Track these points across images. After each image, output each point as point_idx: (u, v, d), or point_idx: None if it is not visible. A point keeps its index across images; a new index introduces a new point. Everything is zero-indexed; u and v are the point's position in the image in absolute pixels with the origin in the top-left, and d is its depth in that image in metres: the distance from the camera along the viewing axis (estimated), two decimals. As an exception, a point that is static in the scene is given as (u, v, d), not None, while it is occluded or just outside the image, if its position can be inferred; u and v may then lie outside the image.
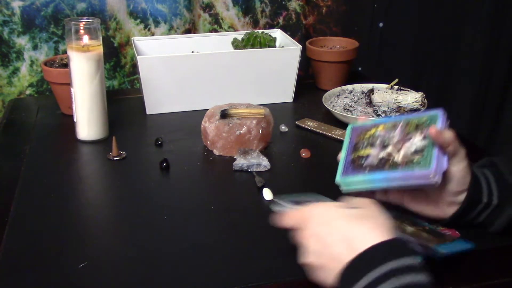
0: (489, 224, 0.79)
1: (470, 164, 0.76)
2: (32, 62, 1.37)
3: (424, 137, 0.73)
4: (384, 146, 0.76)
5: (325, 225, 0.63)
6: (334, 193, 0.81)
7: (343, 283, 0.59)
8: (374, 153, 0.76)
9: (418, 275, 0.56)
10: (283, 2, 1.54)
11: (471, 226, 0.79)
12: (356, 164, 0.77)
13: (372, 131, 0.79)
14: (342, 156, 0.80)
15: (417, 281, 0.56)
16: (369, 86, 1.30)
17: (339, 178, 0.78)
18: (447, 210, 0.76)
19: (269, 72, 1.29)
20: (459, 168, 0.73)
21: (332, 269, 0.61)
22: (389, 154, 0.74)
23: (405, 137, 0.75)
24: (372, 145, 0.77)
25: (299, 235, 0.67)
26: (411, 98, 1.19)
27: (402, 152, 0.74)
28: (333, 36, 1.53)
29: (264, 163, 1.00)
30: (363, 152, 0.78)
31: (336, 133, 1.14)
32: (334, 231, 0.62)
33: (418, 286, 0.56)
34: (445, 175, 0.72)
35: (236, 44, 1.34)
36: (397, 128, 0.77)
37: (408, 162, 0.72)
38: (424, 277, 0.57)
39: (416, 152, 0.73)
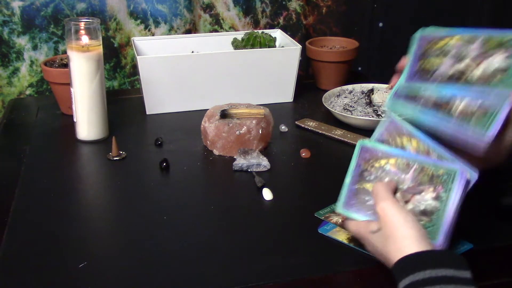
0: (504, 197, 0.79)
1: None
2: (32, 62, 1.37)
3: (437, 198, 0.67)
4: (459, 59, 0.68)
5: (370, 247, 0.71)
6: (335, 193, 0.82)
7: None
8: (447, 63, 0.69)
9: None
10: (284, 2, 1.54)
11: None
12: (360, 200, 0.73)
13: (383, 162, 0.72)
14: (347, 181, 0.75)
15: None
16: (369, 86, 1.30)
17: (340, 209, 0.75)
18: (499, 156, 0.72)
19: (269, 72, 1.29)
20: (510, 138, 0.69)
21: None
22: (468, 66, 0.67)
23: (417, 187, 0.69)
24: (445, 55, 0.69)
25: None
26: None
27: (409, 207, 0.68)
28: (333, 36, 1.53)
29: (264, 163, 1.00)
30: (369, 187, 0.72)
31: (336, 133, 1.14)
32: (376, 253, 0.70)
33: None
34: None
35: (236, 44, 1.34)
36: (409, 170, 0.70)
37: (489, 78, 0.64)
38: None
39: (424, 213, 0.67)
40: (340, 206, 0.75)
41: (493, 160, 0.72)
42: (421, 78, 0.70)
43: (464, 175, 0.66)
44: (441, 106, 0.68)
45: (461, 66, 0.68)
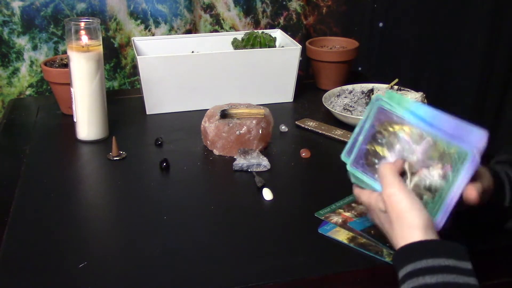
0: (504, 222, 0.78)
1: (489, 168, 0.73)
2: (32, 63, 1.37)
3: (444, 177, 0.66)
4: (402, 156, 0.70)
5: (378, 220, 0.71)
6: (335, 193, 0.82)
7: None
8: (389, 159, 0.71)
9: (436, 276, 0.59)
10: (284, 3, 1.54)
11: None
12: (369, 161, 0.73)
13: (397, 127, 0.71)
14: (359, 139, 0.74)
15: (435, 282, 0.58)
16: (369, 86, 1.30)
17: (349, 167, 0.74)
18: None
19: (269, 72, 1.29)
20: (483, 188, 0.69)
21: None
22: (403, 172, 0.69)
23: (426, 161, 0.68)
24: (390, 147, 0.71)
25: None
26: (411, 98, 1.19)
27: (415, 179, 0.68)
28: (333, 36, 1.53)
29: (264, 163, 1.00)
30: (380, 150, 0.72)
31: (336, 133, 1.14)
32: (383, 228, 0.70)
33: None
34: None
35: (236, 44, 1.34)
36: (421, 142, 0.69)
37: (417, 195, 0.67)
38: (446, 277, 0.59)
39: (429, 189, 0.67)
40: (349, 165, 0.74)
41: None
42: (365, 167, 0.73)
43: (475, 158, 0.64)
44: None
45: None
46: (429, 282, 0.58)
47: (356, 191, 0.74)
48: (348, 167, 0.74)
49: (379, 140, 0.72)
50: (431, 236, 0.63)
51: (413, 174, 0.69)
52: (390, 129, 0.72)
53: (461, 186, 0.65)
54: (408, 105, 0.71)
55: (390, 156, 0.71)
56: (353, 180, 0.75)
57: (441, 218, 0.65)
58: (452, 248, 0.61)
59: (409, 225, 0.64)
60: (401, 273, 0.61)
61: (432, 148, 0.68)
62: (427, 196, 0.67)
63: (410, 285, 0.59)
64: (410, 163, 0.69)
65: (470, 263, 0.60)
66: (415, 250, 0.62)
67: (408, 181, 0.68)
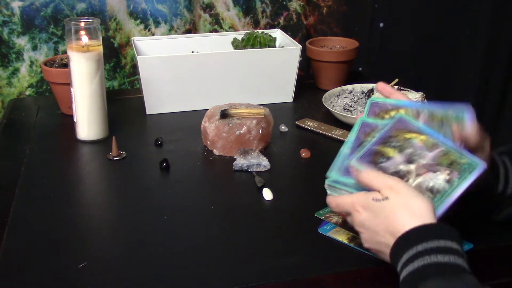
0: (495, 212, 0.79)
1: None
2: (31, 63, 1.37)
3: (449, 181, 0.68)
4: (410, 159, 0.71)
5: (370, 218, 0.68)
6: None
7: (393, 262, 0.65)
8: (396, 161, 0.72)
9: (448, 256, 0.60)
10: (284, 3, 1.54)
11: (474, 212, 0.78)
12: (375, 160, 0.73)
13: (413, 135, 0.73)
14: (371, 140, 0.74)
15: (447, 261, 0.60)
16: (369, 86, 1.30)
17: (354, 161, 0.73)
18: None
19: (269, 72, 1.29)
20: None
21: (385, 252, 0.67)
22: (408, 173, 0.71)
23: (434, 165, 0.70)
24: (401, 150, 0.72)
25: (350, 220, 0.72)
26: (411, 98, 1.19)
27: (419, 180, 0.70)
28: (333, 36, 1.53)
29: (264, 163, 1.00)
30: (389, 152, 0.73)
31: (336, 133, 1.14)
32: (379, 223, 0.67)
33: (447, 265, 0.59)
34: None
35: (236, 44, 1.34)
36: (434, 151, 0.71)
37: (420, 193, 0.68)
38: (457, 259, 0.60)
39: (431, 190, 0.69)
40: (355, 159, 0.73)
41: None
42: (370, 163, 0.73)
43: (483, 169, 0.67)
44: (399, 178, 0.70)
45: (405, 169, 0.71)
46: (442, 261, 0.59)
47: (331, 198, 0.74)
48: (353, 162, 0.73)
49: (392, 144, 0.73)
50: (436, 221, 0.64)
51: (417, 175, 0.70)
52: (407, 136, 0.73)
53: (462, 190, 0.67)
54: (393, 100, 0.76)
55: (398, 158, 0.71)
56: (329, 192, 0.76)
57: (438, 215, 0.66)
58: (459, 237, 0.63)
59: (420, 206, 0.64)
60: (410, 252, 0.61)
61: (444, 156, 0.70)
62: (427, 196, 0.68)
63: (421, 262, 0.60)
64: (418, 165, 0.70)
65: (450, 239, 0.62)
66: (430, 230, 0.62)
67: (411, 180, 0.69)
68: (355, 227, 0.70)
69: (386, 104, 0.76)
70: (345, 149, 0.76)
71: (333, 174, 0.76)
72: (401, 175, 0.70)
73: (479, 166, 0.67)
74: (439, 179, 0.69)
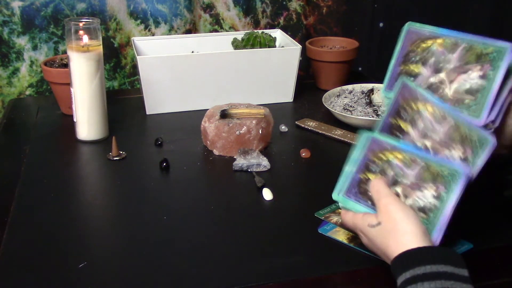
0: (508, 188, 0.79)
1: None
2: (32, 63, 1.37)
3: (483, 76, 0.65)
4: (437, 69, 0.69)
5: (368, 242, 0.71)
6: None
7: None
8: (425, 74, 0.70)
9: (435, 282, 0.59)
10: (284, 3, 1.54)
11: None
12: (361, 189, 0.74)
13: (429, 43, 0.71)
14: (349, 170, 0.75)
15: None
16: (369, 86, 1.30)
17: (339, 196, 0.75)
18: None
19: (269, 72, 1.29)
20: None
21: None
22: (441, 82, 0.68)
23: (462, 66, 0.67)
24: (424, 62, 0.70)
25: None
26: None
27: (454, 86, 0.67)
28: (333, 36, 1.53)
29: (264, 163, 1.00)
30: (414, 68, 0.71)
31: (336, 133, 1.14)
32: (375, 248, 0.70)
33: None
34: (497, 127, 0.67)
35: (236, 44, 1.34)
36: (456, 50, 0.69)
37: (458, 101, 0.66)
38: (445, 283, 0.59)
39: (469, 91, 0.66)
40: (339, 193, 0.75)
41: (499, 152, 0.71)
42: (358, 194, 0.73)
43: (466, 176, 0.66)
44: (436, 89, 0.69)
45: (436, 80, 0.69)
46: None
47: (341, 214, 0.76)
48: (339, 197, 0.75)
49: (373, 169, 0.74)
50: (427, 243, 0.63)
51: (405, 197, 0.70)
52: (384, 157, 0.73)
53: (453, 204, 0.66)
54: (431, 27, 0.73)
55: (425, 71, 0.71)
56: (341, 205, 0.77)
57: (438, 235, 0.66)
58: (449, 254, 0.62)
59: (406, 232, 0.64)
60: (400, 279, 0.61)
61: (426, 172, 0.69)
62: (469, 99, 0.66)
63: None
64: (403, 187, 0.70)
65: (467, 270, 0.61)
66: (413, 256, 0.62)
67: (448, 88, 0.68)
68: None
69: (385, 144, 0.73)
70: (351, 168, 0.75)
71: (340, 196, 0.75)
72: (437, 87, 0.69)
73: (461, 173, 0.66)
74: (427, 197, 0.68)
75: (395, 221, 0.66)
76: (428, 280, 0.59)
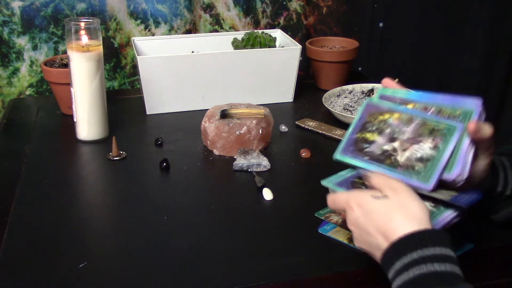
0: (493, 212, 0.78)
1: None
2: (32, 63, 1.37)
3: (435, 147, 0.70)
4: (392, 138, 0.73)
5: (363, 216, 0.66)
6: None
7: (384, 267, 0.63)
8: (379, 142, 0.73)
9: (445, 265, 0.58)
10: (284, 3, 1.54)
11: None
12: (358, 147, 0.75)
13: (386, 116, 0.75)
14: (348, 131, 0.77)
15: (444, 270, 0.58)
16: (369, 86, 1.30)
17: (337, 155, 0.76)
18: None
19: (269, 72, 1.29)
20: (483, 163, 0.71)
21: (376, 255, 0.65)
22: (394, 150, 0.72)
23: (416, 138, 0.72)
24: (380, 132, 0.74)
25: (344, 217, 0.70)
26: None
27: (406, 154, 0.71)
28: (333, 36, 1.53)
29: (264, 163, 1.00)
30: (369, 136, 0.75)
31: (336, 133, 1.14)
32: (371, 223, 0.65)
33: (444, 275, 0.58)
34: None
35: (236, 44, 1.34)
36: (411, 124, 0.73)
37: (409, 167, 0.69)
38: (454, 268, 0.59)
39: (420, 159, 0.70)
40: (337, 153, 0.76)
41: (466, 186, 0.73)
42: (354, 153, 0.75)
43: (461, 129, 0.69)
44: (385, 159, 0.72)
45: (389, 148, 0.72)
46: (439, 270, 0.58)
47: (329, 195, 0.72)
48: (337, 156, 0.76)
49: (368, 128, 0.75)
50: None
51: (404, 150, 0.71)
52: (380, 117, 0.76)
53: (449, 151, 0.69)
54: (402, 92, 0.77)
55: (380, 139, 0.73)
56: (331, 189, 0.76)
57: (434, 180, 0.67)
58: (455, 242, 0.62)
59: (415, 212, 0.63)
60: (404, 260, 0.60)
61: (422, 127, 0.72)
62: (419, 166, 0.69)
63: (417, 271, 0.58)
64: (401, 141, 0.72)
65: (445, 246, 0.61)
66: (422, 237, 0.61)
67: (399, 157, 0.71)
68: (348, 225, 0.69)
69: (382, 106, 0.76)
70: (349, 129, 0.78)
71: (338, 155, 0.76)
72: (388, 154, 0.71)
73: (457, 127, 0.69)
74: (424, 148, 0.70)
75: (404, 199, 0.64)
76: (439, 261, 0.58)
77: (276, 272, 0.73)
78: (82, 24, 1.05)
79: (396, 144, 0.72)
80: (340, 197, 0.70)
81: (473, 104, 0.71)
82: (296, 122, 1.20)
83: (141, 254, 0.78)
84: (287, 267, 0.74)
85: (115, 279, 0.73)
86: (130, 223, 0.85)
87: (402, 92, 0.77)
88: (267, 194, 0.92)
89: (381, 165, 0.72)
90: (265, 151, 1.07)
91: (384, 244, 0.63)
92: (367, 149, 0.74)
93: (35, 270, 0.74)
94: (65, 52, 1.35)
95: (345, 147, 0.76)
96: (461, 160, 0.68)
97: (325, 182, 0.76)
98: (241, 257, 0.77)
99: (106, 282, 0.72)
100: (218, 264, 0.76)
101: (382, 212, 0.64)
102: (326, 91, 1.29)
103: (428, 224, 0.62)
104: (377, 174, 0.70)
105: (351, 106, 1.21)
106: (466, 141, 0.68)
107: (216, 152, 1.07)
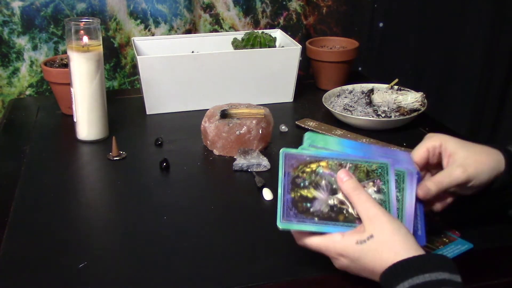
0: (510, 207, 0.79)
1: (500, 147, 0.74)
2: (32, 63, 1.37)
3: (379, 190, 0.68)
4: (332, 190, 0.68)
5: (352, 263, 0.66)
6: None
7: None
8: (321, 197, 0.68)
9: None
10: (284, 3, 1.54)
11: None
12: (301, 208, 0.68)
13: (313, 166, 0.69)
14: (278, 193, 0.69)
15: None
16: (369, 86, 1.30)
17: (280, 224, 0.68)
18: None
19: (269, 72, 1.29)
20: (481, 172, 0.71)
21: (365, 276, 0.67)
22: (341, 202, 0.68)
23: None
24: (316, 186, 0.68)
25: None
26: (411, 98, 1.19)
27: None
28: (333, 36, 1.53)
29: (264, 163, 1.00)
30: (307, 193, 0.68)
31: (336, 133, 1.14)
32: (363, 268, 0.66)
33: None
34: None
35: (236, 44, 1.34)
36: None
37: None
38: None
39: None
40: (279, 221, 0.68)
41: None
42: (299, 216, 0.68)
43: (392, 165, 0.69)
44: (337, 215, 0.68)
45: (336, 202, 0.68)
46: None
47: (301, 241, 0.69)
48: (280, 225, 0.68)
49: (301, 184, 0.69)
50: (420, 252, 0.63)
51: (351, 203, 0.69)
52: (308, 169, 0.69)
53: (394, 192, 0.68)
54: (334, 141, 0.73)
55: (321, 195, 0.69)
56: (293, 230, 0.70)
57: (408, 227, 0.67)
58: (445, 261, 0.62)
59: (402, 242, 0.63)
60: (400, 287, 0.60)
61: (356, 171, 0.69)
62: None
63: None
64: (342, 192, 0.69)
65: (460, 276, 0.60)
66: (410, 265, 0.61)
67: (350, 209, 0.68)
68: (336, 267, 0.69)
69: (303, 156, 0.70)
70: (279, 191, 0.69)
71: (281, 225, 0.68)
72: (338, 209, 0.68)
73: (388, 164, 0.69)
74: (370, 193, 0.68)
75: (389, 232, 0.64)
76: (429, 287, 0.58)
77: (276, 272, 0.73)
78: (82, 24, 1.05)
79: (340, 196, 0.68)
80: (315, 245, 0.68)
81: (386, 160, 0.69)
82: (296, 122, 1.20)
83: (141, 254, 0.78)
84: (287, 267, 0.74)
85: (115, 279, 0.73)
86: (130, 223, 0.85)
87: (306, 151, 0.71)
88: (267, 194, 0.92)
89: (336, 224, 0.67)
90: (265, 151, 1.07)
91: (372, 278, 0.65)
92: (312, 209, 0.68)
93: (35, 270, 0.74)
94: (65, 52, 1.35)
95: (285, 211, 0.68)
96: (409, 220, 0.68)
97: (279, 226, 0.68)
98: (241, 257, 0.77)
99: (106, 282, 0.72)
100: (218, 264, 0.76)
101: (372, 254, 0.64)
102: (326, 91, 1.29)
103: (415, 247, 0.63)
104: (314, 238, 0.67)
105: (351, 106, 1.21)
106: (394, 197, 0.68)
107: (216, 152, 1.07)
